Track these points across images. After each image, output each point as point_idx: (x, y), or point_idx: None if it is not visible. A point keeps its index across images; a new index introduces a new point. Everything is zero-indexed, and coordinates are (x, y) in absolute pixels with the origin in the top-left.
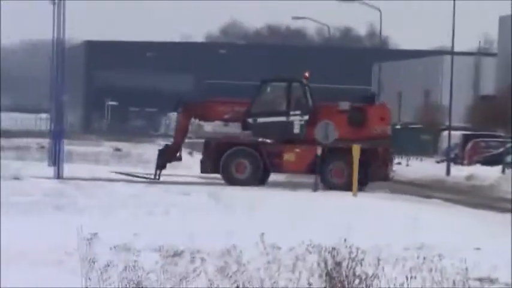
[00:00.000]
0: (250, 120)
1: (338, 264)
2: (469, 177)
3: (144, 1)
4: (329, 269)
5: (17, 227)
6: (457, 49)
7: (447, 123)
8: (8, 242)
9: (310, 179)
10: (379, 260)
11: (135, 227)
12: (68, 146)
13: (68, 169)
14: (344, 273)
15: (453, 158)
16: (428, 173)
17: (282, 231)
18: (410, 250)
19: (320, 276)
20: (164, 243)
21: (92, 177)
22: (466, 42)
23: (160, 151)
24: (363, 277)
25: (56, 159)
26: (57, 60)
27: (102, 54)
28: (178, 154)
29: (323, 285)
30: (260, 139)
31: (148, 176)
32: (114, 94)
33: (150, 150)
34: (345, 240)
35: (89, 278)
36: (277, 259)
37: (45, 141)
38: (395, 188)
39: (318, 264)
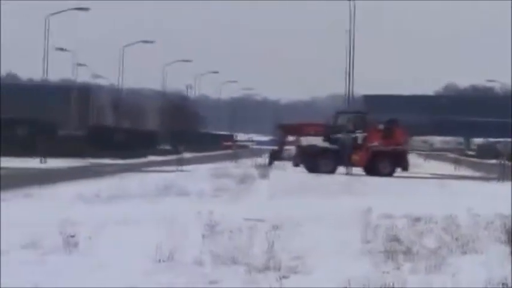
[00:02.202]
0: (331, 136)
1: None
2: None
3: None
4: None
5: (316, 203)
6: None
7: None
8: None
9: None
10: None
11: (399, 204)
12: None
13: (354, 168)
14: None
15: None
16: None
17: (477, 206)
18: None
19: (502, 232)
20: (407, 213)
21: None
22: None
23: (270, 153)
24: None
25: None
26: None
27: (375, 103)
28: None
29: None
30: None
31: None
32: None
33: None
34: None
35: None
36: (477, 222)
37: None
38: None
39: (504, 225)
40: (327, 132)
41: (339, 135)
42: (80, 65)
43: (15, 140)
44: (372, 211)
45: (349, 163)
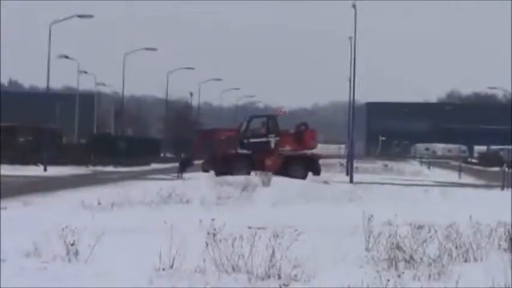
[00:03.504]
0: (245, 140)
1: None
2: None
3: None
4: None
5: (322, 211)
6: None
7: None
8: (315, 218)
9: None
10: None
11: (397, 210)
12: (356, 164)
13: (356, 177)
14: None
15: None
16: None
17: (480, 214)
18: None
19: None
20: (413, 221)
21: (371, 182)
22: None
23: (180, 160)
24: None
25: (349, 171)
26: (352, 115)
27: (378, 110)
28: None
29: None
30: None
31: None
32: (384, 133)
33: (405, 166)
34: None
35: (368, 241)
36: (479, 229)
37: (343, 161)
38: None
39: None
40: (240, 137)
41: (252, 140)
42: (83, 72)
43: (17, 148)
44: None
45: (261, 168)
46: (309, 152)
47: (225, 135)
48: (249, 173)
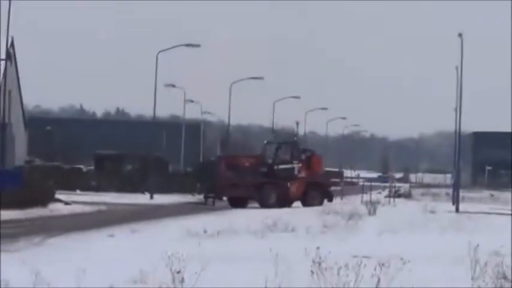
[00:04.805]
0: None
1: None
2: None
3: None
4: None
5: (428, 240)
6: None
7: None
8: (421, 247)
9: None
10: None
11: (503, 241)
12: (462, 193)
13: (462, 206)
14: None
15: None
16: None
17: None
18: None
19: None
20: None
21: (477, 211)
22: None
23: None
24: None
25: (455, 200)
26: (458, 144)
27: (484, 140)
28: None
29: None
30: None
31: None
32: (491, 163)
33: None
34: None
35: (474, 270)
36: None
37: (449, 190)
38: None
39: None
40: (263, 163)
41: (281, 167)
42: (189, 101)
43: (124, 176)
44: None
45: (286, 196)
46: (321, 179)
47: (248, 162)
48: (279, 203)
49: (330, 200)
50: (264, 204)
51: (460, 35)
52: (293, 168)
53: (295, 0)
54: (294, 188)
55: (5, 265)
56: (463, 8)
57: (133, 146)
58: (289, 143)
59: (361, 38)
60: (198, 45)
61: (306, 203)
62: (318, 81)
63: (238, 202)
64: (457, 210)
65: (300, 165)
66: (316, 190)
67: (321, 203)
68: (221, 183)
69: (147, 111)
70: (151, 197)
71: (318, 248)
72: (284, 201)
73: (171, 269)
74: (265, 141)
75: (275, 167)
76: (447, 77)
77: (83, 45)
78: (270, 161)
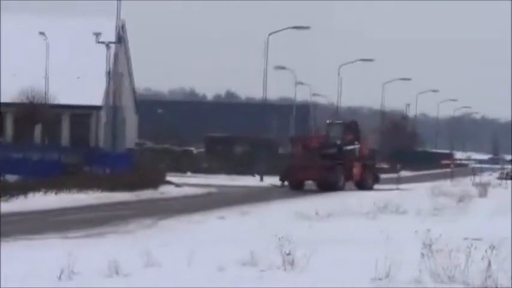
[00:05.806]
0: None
1: None
2: None
3: None
4: None
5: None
6: None
7: None
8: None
9: None
10: None
11: None
12: None
13: None
14: None
15: None
16: None
17: None
18: None
19: None
20: None
21: None
22: None
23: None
24: None
25: None
26: None
27: None
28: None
29: None
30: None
31: None
32: None
33: None
34: None
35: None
36: None
37: None
38: None
39: None
40: (332, 145)
41: (346, 148)
42: (299, 83)
43: (235, 158)
44: None
45: (349, 177)
46: (371, 160)
47: (317, 143)
48: (342, 186)
49: (377, 181)
50: (330, 187)
51: None
52: (355, 149)
53: None
54: (356, 169)
55: (116, 246)
56: None
57: (243, 128)
58: (351, 123)
59: (472, 19)
60: (307, 27)
61: (361, 186)
62: (429, 63)
63: (296, 185)
64: None
65: (359, 146)
66: (370, 171)
67: (372, 186)
68: (296, 164)
69: (257, 94)
70: (261, 179)
71: (428, 230)
72: (344, 184)
73: (281, 251)
74: (327, 121)
75: (343, 148)
76: None
77: (194, 28)
78: (338, 142)
